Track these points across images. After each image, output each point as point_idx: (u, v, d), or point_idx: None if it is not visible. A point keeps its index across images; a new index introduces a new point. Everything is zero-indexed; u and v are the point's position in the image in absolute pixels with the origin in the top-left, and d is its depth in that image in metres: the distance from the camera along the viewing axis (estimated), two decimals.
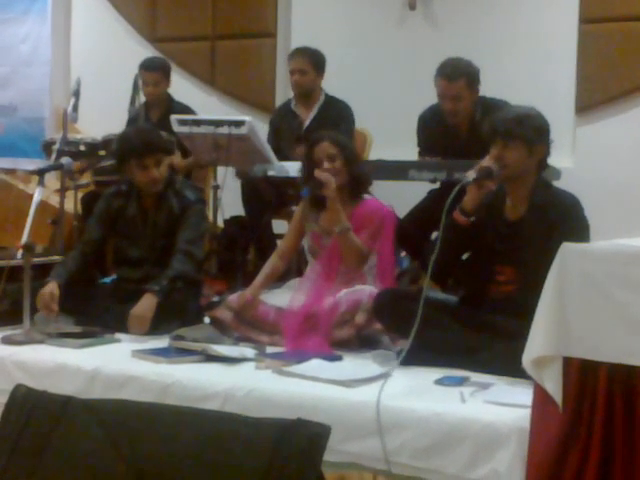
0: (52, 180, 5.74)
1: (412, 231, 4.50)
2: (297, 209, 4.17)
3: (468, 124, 4.71)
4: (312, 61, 5.36)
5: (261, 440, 1.61)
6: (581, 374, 2.41)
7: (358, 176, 3.98)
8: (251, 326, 3.88)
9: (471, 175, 3.39)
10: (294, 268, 4.70)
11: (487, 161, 3.41)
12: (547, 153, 3.47)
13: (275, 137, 5.41)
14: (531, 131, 3.38)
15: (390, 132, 5.69)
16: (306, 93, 5.41)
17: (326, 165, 3.91)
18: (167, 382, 3.23)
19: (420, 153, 4.96)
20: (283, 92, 5.95)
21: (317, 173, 3.87)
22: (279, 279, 4.20)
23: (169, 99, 5.89)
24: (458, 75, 4.59)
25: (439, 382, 3.10)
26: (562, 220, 3.29)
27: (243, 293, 3.95)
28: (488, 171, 3.38)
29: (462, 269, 3.64)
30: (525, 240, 3.39)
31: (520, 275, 3.39)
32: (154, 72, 5.73)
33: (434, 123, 4.86)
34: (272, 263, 4.11)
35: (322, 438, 1.61)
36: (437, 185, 4.70)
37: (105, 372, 3.39)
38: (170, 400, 3.08)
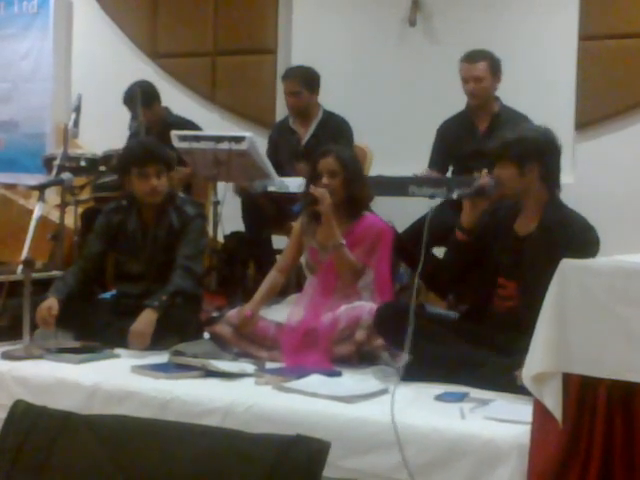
0: (52, 195, 5.75)
1: (411, 245, 4.51)
2: (296, 224, 4.17)
3: (488, 119, 4.92)
4: (304, 81, 5.37)
5: (261, 456, 1.61)
6: (581, 390, 2.41)
7: (356, 196, 3.97)
8: (251, 341, 3.88)
9: (459, 192, 3.46)
10: (294, 283, 4.71)
11: (485, 179, 3.45)
12: (546, 171, 3.46)
13: (274, 153, 5.42)
14: (520, 152, 3.41)
15: (390, 148, 5.70)
16: (302, 112, 5.42)
17: (325, 180, 3.92)
18: (167, 398, 3.23)
19: (430, 164, 5.02)
20: (283, 108, 5.96)
21: (312, 189, 3.88)
22: (279, 294, 4.20)
23: (167, 114, 5.90)
24: (480, 57, 4.90)
25: (439, 398, 3.09)
26: (568, 244, 3.27)
27: (242, 309, 3.95)
28: (480, 189, 3.43)
29: (466, 280, 3.65)
30: (530, 257, 3.40)
31: (521, 291, 3.40)
32: (135, 105, 5.62)
33: (455, 125, 5.07)
34: (271, 278, 4.10)
35: (322, 454, 1.60)
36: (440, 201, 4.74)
37: (104, 387, 3.39)
38: (170, 416, 3.08)
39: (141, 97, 5.57)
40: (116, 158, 4.79)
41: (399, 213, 4.45)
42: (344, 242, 3.86)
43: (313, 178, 3.96)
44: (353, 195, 3.96)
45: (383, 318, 3.56)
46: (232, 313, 3.95)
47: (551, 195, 3.49)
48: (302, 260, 4.18)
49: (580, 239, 3.35)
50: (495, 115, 4.93)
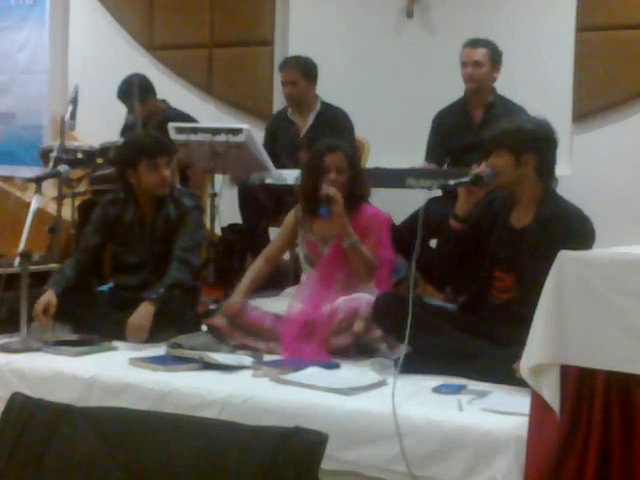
0: (49, 188, 5.74)
1: (409, 237, 4.51)
2: (289, 215, 4.16)
3: (483, 109, 4.96)
4: (302, 71, 5.35)
5: (258, 448, 1.61)
6: (578, 382, 2.41)
7: (357, 192, 3.97)
8: (248, 333, 3.87)
9: (455, 180, 3.46)
10: (292, 276, 4.70)
11: (482, 167, 3.45)
12: (542, 162, 3.45)
13: (271, 144, 5.41)
14: (517, 141, 3.40)
15: (387, 140, 5.70)
16: (299, 102, 5.41)
17: (332, 176, 3.90)
18: (164, 390, 3.23)
19: (427, 156, 5.03)
20: (280, 100, 5.96)
21: (325, 189, 3.85)
22: (275, 287, 4.19)
23: (166, 107, 5.89)
24: (482, 44, 4.98)
25: (437, 390, 3.10)
26: (565, 236, 3.27)
27: (229, 303, 3.93)
28: (477, 177, 3.42)
29: (463, 272, 3.65)
30: (526, 249, 3.39)
31: (518, 284, 3.40)
32: (130, 100, 5.65)
33: (450, 116, 5.10)
34: (258, 266, 4.10)
35: (320, 446, 1.60)
36: (439, 193, 4.74)
37: (102, 380, 3.39)
38: (167, 408, 3.08)
39: (136, 92, 5.57)
40: (117, 150, 4.78)
41: (396, 205, 4.45)
42: (359, 239, 3.85)
43: (319, 173, 3.94)
44: (354, 191, 3.95)
45: (381, 308, 3.56)
46: (228, 304, 3.95)
47: (546, 187, 3.49)
48: (300, 254, 4.17)
49: (577, 231, 3.35)
50: (489, 105, 4.95)
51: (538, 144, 3.44)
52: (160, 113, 5.81)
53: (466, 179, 3.46)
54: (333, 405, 2.96)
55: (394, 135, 5.86)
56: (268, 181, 4.97)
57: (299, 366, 3.38)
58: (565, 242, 3.13)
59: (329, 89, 5.57)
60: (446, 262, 3.62)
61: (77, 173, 5.33)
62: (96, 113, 6.52)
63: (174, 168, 5.17)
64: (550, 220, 3.39)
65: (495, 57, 4.97)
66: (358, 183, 3.98)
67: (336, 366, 3.51)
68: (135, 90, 5.51)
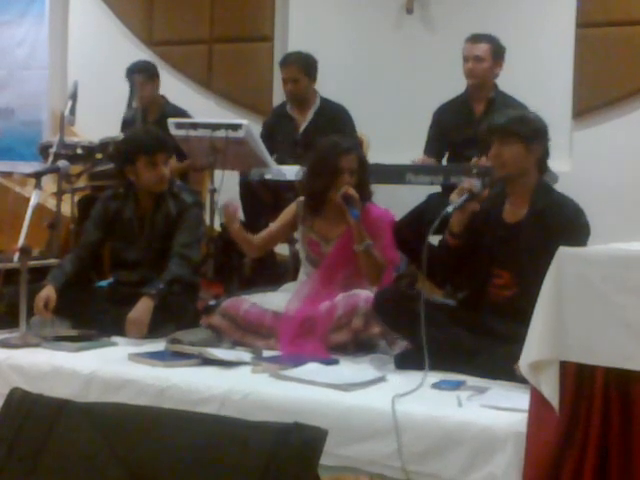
0: (49, 183, 5.74)
1: (409, 234, 4.50)
2: (290, 208, 4.15)
3: (484, 104, 4.94)
4: (303, 68, 5.35)
5: (258, 444, 1.61)
6: (578, 378, 2.41)
7: (364, 192, 3.97)
8: (247, 331, 3.87)
9: (453, 204, 3.39)
10: (290, 271, 4.70)
11: (468, 181, 3.42)
12: (545, 154, 3.47)
13: (268, 138, 5.39)
14: (528, 129, 3.40)
15: (387, 136, 5.69)
16: (300, 99, 5.41)
17: (346, 178, 3.90)
18: (164, 385, 3.24)
19: (426, 150, 5.02)
20: (280, 96, 5.95)
21: (346, 189, 3.84)
22: (274, 283, 4.19)
23: (164, 102, 5.89)
24: (484, 39, 4.95)
25: (436, 386, 3.10)
26: (562, 228, 3.26)
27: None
28: (470, 194, 3.38)
29: (461, 271, 3.65)
30: (522, 244, 3.39)
31: (516, 280, 3.40)
32: (138, 75, 5.71)
33: (452, 110, 5.08)
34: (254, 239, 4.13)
35: (319, 442, 1.60)
36: (438, 189, 4.74)
37: (101, 375, 3.39)
38: (167, 404, 3.08)
39: (145, 68, 5.73)
40: (116, 146, 4.77)
41: (392, 200, 4.44)
42: (372, 242, 3.84)
43: (333, 174, 3.92)
44: (361, 192, 3.94)
45: (381, 302, 3.55)
46: (227, 304, 3.94)
47: (539, 180, 3.48)
48: (300, 252, 4.16)
49: (572, 223, 3.35)
50: (490, 100, 4.94)
51: (544, 133, 3.45)
52: (159, 107, 5.81)
53: (463, 199, 3.39)
54: (332, 401, 2.96)
55: (393, 130, 5.85)
56: (267, 177, 4.97)
57: (298, 362, 3.38)
58: (561, 234, 3.14)
59: (329, 85, 5.57)
60: (443, 271, 3.62)
61: (76, 168, 5.33)
62: (95, 108, 6.51)
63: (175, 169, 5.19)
64: (544, 212, 3.39)
65: (497, 53, 4.95)
66: (366, 185, 3.98)
67: (335, 362, 3.51)
68: (141, 74, 5.59)
